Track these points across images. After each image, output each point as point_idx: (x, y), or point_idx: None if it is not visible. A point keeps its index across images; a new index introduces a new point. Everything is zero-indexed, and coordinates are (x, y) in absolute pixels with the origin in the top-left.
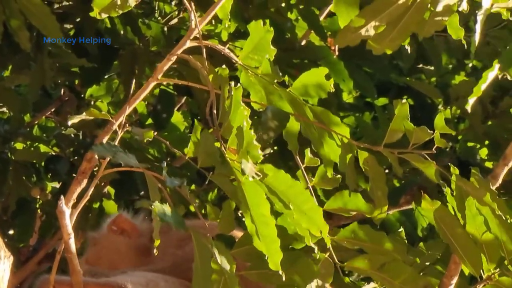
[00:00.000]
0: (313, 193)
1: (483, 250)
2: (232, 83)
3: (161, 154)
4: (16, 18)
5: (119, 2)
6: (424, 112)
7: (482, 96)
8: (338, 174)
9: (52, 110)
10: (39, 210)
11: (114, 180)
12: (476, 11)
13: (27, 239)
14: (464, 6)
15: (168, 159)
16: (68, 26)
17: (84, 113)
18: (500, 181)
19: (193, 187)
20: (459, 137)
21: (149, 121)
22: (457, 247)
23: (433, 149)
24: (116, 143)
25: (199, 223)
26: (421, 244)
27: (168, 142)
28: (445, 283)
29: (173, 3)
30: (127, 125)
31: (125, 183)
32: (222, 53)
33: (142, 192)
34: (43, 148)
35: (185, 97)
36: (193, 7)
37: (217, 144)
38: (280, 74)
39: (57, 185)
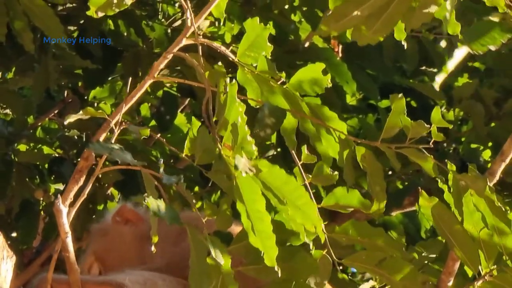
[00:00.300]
0: (310, 190)
1: (481, 246)
2: (228, 79)
3: (164, 156)
4: (19, 20)
5: (115, 1)
6: (426, 114)
7: (485, 97)
8: (336, 171)
9: (56, 112)
10: (42, 212)
11: (117, 182)
12: None
13: (31, 241)
14: None
15: (172, 161)
16: (71, 28)
17: (81, 112)
18: (497, 177)
19: (196, 189)
20: (462, 139)
21: (153, 123)
22: (455, 243)
23: (431, 143)
24: (113, 141)
25: (195, 215)
26: (420, 243)
27: (165, 141)
28: (443, 280)
29: (176, 5)
30: (123, 123)
31: (128, 184)
32: (218, 50)
33: (146, 194)
34: (46, 150)
35: (188, 99)
36: (189, 4)
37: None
38: (278, 72)
39: (60, 187)
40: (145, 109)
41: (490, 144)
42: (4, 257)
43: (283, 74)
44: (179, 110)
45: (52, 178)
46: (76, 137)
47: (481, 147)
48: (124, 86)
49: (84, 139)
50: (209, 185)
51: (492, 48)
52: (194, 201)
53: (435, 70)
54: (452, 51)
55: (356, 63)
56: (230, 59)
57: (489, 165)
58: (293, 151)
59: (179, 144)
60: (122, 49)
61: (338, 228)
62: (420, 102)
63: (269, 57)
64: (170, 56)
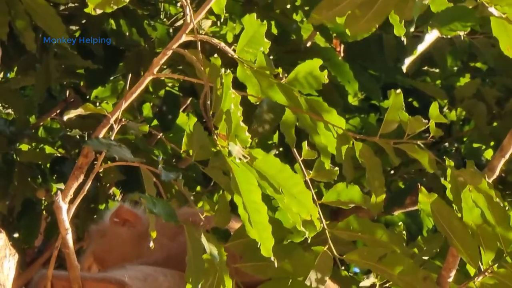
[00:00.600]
0: (311, 187)
1: (481, 242)
2: (223, 69)
3: (166, 155)
4: (21, 19)
5: None
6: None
7: (487, 97)
8: (336, 167)
9: (57, 111)
10: (44, 212)
11: (119, 182)
12: None
13: (33, 240)
14: None
15: (174, 160)
16: (73, 27)
17: (80, 108)
18: (497, 173)
19: (198, 188)
20: (464, 139)
21: (155, 122)
22: (455, 239)
23: (429, 138)
24: (112, 137)
25: (193, 211)
26: (419, 238)
27: (165, 138)
28: (444, 276)
29: (178, 4)
30: (123, 120)
31: (130, 184)
32: (218, 47)
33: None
34: (48, 149)
35: (190, 98)
36: (188, 1)
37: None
38: (276, 68)
39: (62, 186)
40: (147, 109)
41: (492, 143)
42: (7, 255)
43: (280, 70)
44: (181, 110)
45: (54, 177)
46: (78, 137)
47: (483, 146)
48: (125, 86)
49: (86, 139)
50: (211, 184)
51: (461, 33)
52: (195, 199)
53: (437, 70)
54: (453, 51)
55: (358, 63)
56: (230, 55)
57: None
58: (293, 148)
59: (181, 143)
60: (124, 48)
61: (339, 224)
62: (422, 102)
63: (267, 53)
64: (169, 53)
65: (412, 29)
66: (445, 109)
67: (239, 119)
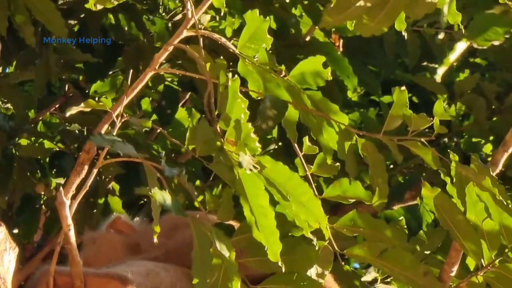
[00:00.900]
0: (312, 182)
1: (484, 237)
2: (230, 74)
3: (165, 150)
4: (21, 14)
5: None
6: (428, 110)
7: (487, 91)
8: (337, 162)
9: (57, 106)
10: (43, 206)
11: (119, 176)
12: None
13: (32, 235)
14: None
15: (173, 155)
16: (72, 22)
17: (82, 104)
18: (500, 167)
19: (198, 182)
20: (464, 134)
21: (154, 117)
22: (458, 234)
23: (433, 135)
24: (114, 133)
25: (199, 213)
26: (421, 232)
27: (165, 132)
28: (446, 271)
29: None
30: (125, 115)
31: (130, 178)
32: (219, 42)
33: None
34: (47, 144)
35: (189, 93)
36: None
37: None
38: (278, 65)
39: (61, 181)
40: (146, 103)
41: (491, 138)
42: (7, 248)
43: (283, 67)
44: (180, 104)
45: (53, 172)
46: (77, 131)
47: (483, 141)
48: (124, 80)
49: (85, 133)
50: (211, 179)
51: (496, 43)
52: (196, 193)
53: (436, 65)
54: (452, 44)
55: (358, 58)
56: (231, 50)
57: (489, 159)
58: (294, 143)
59: (180, 138)
60: (123, 43)
61: (341, 219)
62: (422, 98)
63: (269, 50)
64: (171, 48)
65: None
66: (445, 104)
67: (249, 130)
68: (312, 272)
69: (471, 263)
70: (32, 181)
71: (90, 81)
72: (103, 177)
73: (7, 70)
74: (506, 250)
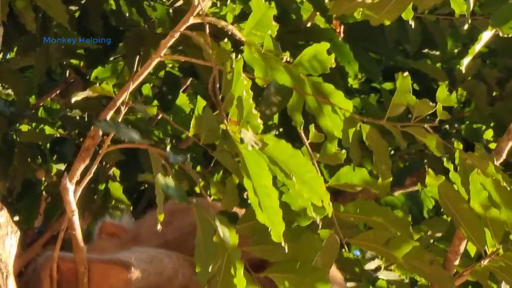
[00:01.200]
0: (319, 170)
1: (488, 225)
2: (233, 55)
3: (166, 136)
4: None
5: None
6: (430, 96)
7: (488, 77)
8: (343, 150)
9: (58, 92)
10: (44, 192)
11: (119, 162)
12: None
13: (32, 221)
14: None
15: (174, 141)
16: (73, 7)
17: (88, 90)
18: (504, 156)
19: (198, 168)
20: (465, 120)
21: (155, 103)
22: (461, 222)
23: (436, 121)
24: (120, 119)
25: (202, 201)
26: (425, 222)
27: (169, 118)
28: (450, 259)
29: None
30: (130, 102)
31: (130, 164)
32: (225, 29)
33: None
34: (48, 130)
35: (190, 79)
36: None
37: (221, 125)
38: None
39: (62, 167)
40: (147, 89)
41: (492, 124)
42: (9, 232)
43: (288, 53)
44: (181, 90)
45: (54, 158)
46: (78, 117)
47: (484, 127)
48: (125, 66)
49: (86, 119)
50: (212, 165)
51: None
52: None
53: (437, 52)
54: (454, 33)
55: (358, 44)
56: (237, 38)
57: (491, 145)
58: (300, 131)
59: (181, 124)
60: (124, 29)
61: (346, 206)
62: (423, 85)
63: (274, 37)
64: (177, 35)
65: None
66: (446, 91)
67: (251, 106)
68: (318, 260)
69: (471, 250)
70: (33, 167)
71: (90, 67)
72: (104, 163)
73: (8, 56)
74: (511, 237)
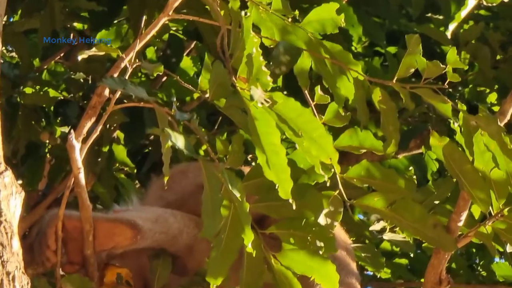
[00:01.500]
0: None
1: (492, 186)
2: (243, 12)
3: (169, 99)
4: None
5: None
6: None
7: (491, 40)
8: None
9: (62, 54)
10: (48, 155)
11: (123, 124)
12: None
13: (36, 183)
14: None
15: (178, 104)
16: None
17: (94, 48)
18: (508, 117)
19: (202, 131)
20: (469, 83)
21: None
22: (466, 183)
23: (445, 83)
24: (126, 78)
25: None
26: (430, 183)
27: (178, 78)
28: (454, 220)
29: None
30: (137, 60)
31: (134, 127)
32: None
33: (152, 137)
34: (52, 92)
35: (194, 42)
36: None
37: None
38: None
39: (66, 129)
40: (151, 53)
41: (496, 87)
42: (13, 192)
43: (297, 12)
44: (185, 54)
45: (58, 120)
46: (82, 80)
47: (487, 90)
48: (130, 29)
49: (90, 82)
50: (216, 128)
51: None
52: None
53: (441, 17)
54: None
55: (362, 8)
56: None
57: (494, 107)
58: (306, 92)
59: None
60: None
61: (352, 168)
62: (427, 49)
63: None
64: None
65: None
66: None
67: (261, 63)
68: (321, 220)
69: (476, 211)
70: (37, 129)
71: (95, 30)
72: (108, 125)
73: (12, 19)
74: None
